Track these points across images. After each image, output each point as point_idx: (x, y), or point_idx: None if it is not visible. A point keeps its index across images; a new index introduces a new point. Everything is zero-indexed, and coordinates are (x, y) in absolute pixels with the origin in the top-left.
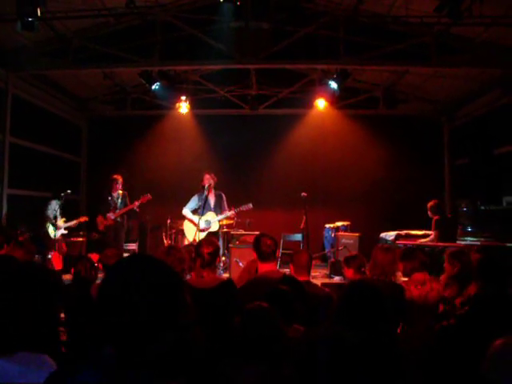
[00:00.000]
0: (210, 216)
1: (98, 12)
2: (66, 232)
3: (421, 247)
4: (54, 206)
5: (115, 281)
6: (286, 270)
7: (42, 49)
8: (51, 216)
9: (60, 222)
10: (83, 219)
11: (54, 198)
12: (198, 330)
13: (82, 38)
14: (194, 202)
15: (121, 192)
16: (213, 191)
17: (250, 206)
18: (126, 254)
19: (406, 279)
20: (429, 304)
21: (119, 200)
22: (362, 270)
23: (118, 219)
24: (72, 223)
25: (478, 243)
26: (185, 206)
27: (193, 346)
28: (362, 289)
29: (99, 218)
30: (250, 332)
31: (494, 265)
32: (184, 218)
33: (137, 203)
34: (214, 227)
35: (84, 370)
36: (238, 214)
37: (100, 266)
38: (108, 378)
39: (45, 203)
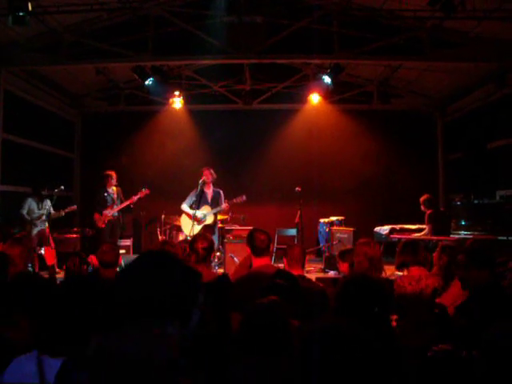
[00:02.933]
0: (206, 209)
1: (91, 7)
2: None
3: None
4: (29, 203)
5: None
6: (281, 265)
7: (34, 44)
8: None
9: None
10: (72, 208)
11: (32, 195)
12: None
13: (75, 33)
14: (191, 198)
15: (115, 188)
16: (211, 187)
17: (244, 197)
18: (121, 251)
19: (400, 274)
20: (423, 300)
21: (115, 195)
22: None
23: (116, 214)
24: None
25: (471, 237)
26: (182, 201)
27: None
28: (360, 281)
29: (96, 216)
30: (259, 326)
31: (484, 255)
32: (180, 213)
33: (135, 198)
34: (209, 220)
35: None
36: (232, 208)
37: (95, 261)
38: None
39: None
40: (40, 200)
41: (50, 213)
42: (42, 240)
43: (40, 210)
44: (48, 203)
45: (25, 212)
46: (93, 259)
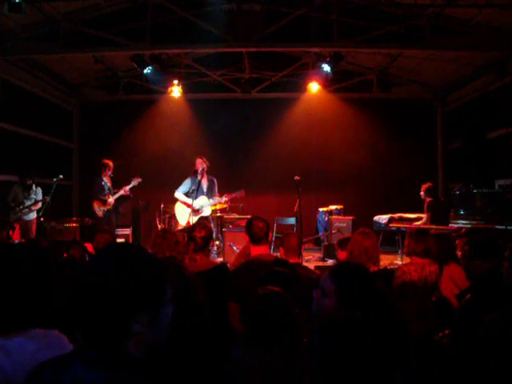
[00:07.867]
0: (203, 200)
1: None
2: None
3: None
4: (14, 191)
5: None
6: (278, 254)
7: (31, 32)
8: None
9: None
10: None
11: (18, 183)
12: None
13: (72, 20)
14: (186, 186)
15: (108, 178)
16: (206, 175)
17: (243, 192)
18: (118, 240)
19: (399, 262)
20: (428, 287)
21: (110, 184)
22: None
23: (113, 203)
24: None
25: (470, 226)
26: (177, 189)
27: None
28: (350, 268)
29: (96, 203)
30: (265, 318)
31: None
32: (176, 200)
33: (127, 187)
34: (207, 212)
35: (75, 364)
36: (231, 200)
37: (91, 250)
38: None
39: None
40: (25, 189)
41: (37, 202)
42: (25, 230)
43: (26, 199)
44: (39, 192)
45: (10, 200)
46: (89, 248)
